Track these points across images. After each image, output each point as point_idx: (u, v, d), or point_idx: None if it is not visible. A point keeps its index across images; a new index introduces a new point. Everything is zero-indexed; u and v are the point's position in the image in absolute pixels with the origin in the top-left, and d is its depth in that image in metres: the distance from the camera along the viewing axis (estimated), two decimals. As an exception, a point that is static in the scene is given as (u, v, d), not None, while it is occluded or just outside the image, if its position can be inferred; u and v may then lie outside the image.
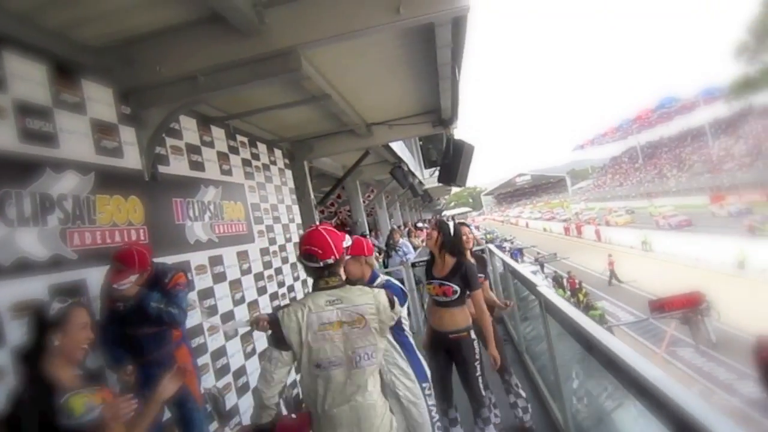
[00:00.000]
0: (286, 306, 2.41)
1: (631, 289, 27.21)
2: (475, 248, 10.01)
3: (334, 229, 2.54)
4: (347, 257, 3.16)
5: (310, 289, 2.54)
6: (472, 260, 4.23)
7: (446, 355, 3.94)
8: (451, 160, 7.52)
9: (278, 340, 2.32)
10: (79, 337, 2.18)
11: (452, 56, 4.96)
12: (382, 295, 2.45)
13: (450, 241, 3.89)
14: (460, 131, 7.91)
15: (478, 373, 3.85)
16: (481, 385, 3.87)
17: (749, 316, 15.85)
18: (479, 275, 4.06)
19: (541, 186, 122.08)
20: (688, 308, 15.55)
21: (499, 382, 4.39)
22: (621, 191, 73.55)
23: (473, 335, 3.88)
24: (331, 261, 2.42)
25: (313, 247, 2.41)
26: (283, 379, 2.35)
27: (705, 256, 28.55)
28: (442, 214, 44.09)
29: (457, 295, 3.80)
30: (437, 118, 7.54)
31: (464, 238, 4.26)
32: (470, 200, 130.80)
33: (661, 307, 15.84)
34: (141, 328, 3.13)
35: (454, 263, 3.87)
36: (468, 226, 4.53)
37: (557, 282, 26.05)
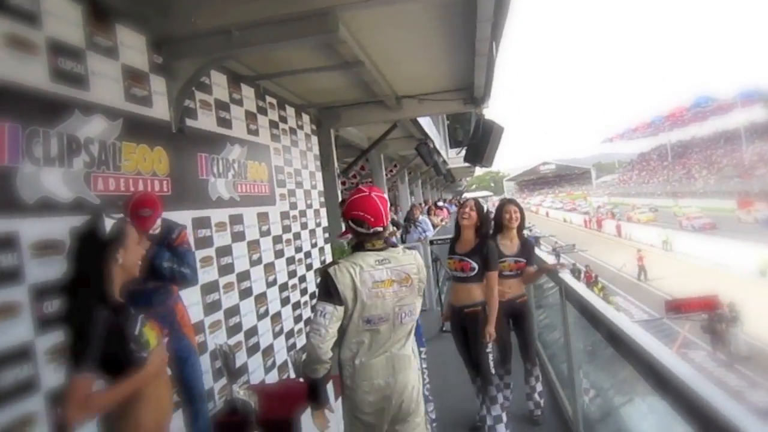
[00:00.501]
0: (336, 263, 2.48)
1: (647, 287, 26.95)
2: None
3: (384, 195, 2.57)
4: None
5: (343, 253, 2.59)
6: (518, 241, 4.31)
7: (462, 328, 4.03)
8: (479, 140, 7.37)
9: (332, 296, 2.40)
10: (137, 252, 2.17)
11: (492, 32, 4.83)
12: (419, 256, 2.63)
13: (484, 222, 4.02)
14: (489, 111, 7.75)
15: (489, 350, 3.91)
16: (491, 363, 3.90)
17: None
18: (521, 259, 4.25)
19: (565, 176, 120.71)
20: (704, 311, 15.32)
21: (521, 369, 4.38)
22: (646, 188, 72.38)
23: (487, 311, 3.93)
24: (380, 229, 2.52)
25: (366, 214, 2.49)
26: (335, 334, 2.42)
27: (727, 261, 28.06)
28: (463, 195, 43.76)
29: (474, 272, 3.87)
30: (469, 95, 7.40)
31: (507, 216, 4.31)
32: (492, 184, 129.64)
33: (677, 307, 15.67)
34: (147, 282, 3.09)
35: (477, 242, 3.95)
36: (516, 203, 4.47)
37: (573, 273, 25.86)
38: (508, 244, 4.29)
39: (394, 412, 2.54)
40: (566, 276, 3.91)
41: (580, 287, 3.52)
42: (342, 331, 2.48)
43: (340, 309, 2.41)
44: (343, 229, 2.63)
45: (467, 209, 4.05)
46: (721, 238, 32.45)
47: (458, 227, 4.11)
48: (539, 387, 4.33)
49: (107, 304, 1.97)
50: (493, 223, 4.30)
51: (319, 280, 2.57)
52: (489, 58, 5.68)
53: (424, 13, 4.53)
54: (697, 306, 15.30)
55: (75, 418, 1.81)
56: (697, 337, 17.46)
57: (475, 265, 3.87)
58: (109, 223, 3.06)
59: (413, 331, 2.65)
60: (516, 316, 4.28)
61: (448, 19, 4.66)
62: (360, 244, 2.55)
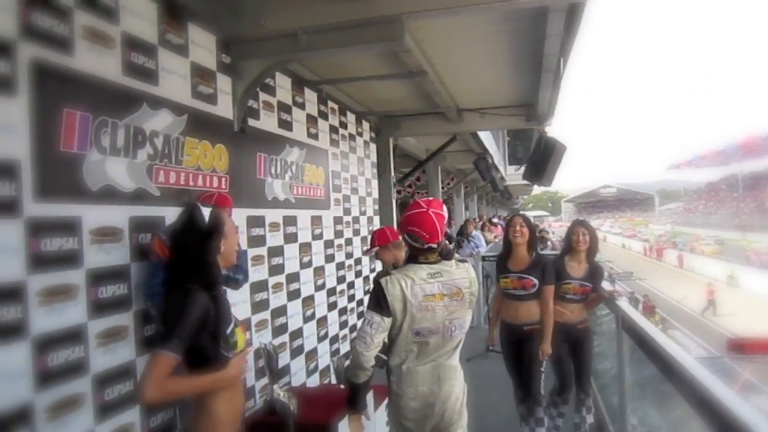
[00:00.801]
0: (388, 274, 2.54)
1: (707, 323, 25.70)
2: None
3: (441, 211, 2.58)
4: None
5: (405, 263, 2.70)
6: (587, 265, 4.18)
7: (518, 347, 3.99)
8: (540, 158, 7.19)
9: (381, 307, 2.46)
10: (235, 240, 2.21)
11: (560, 47, 4.72)
12: (471, 270, 2.67)
13: (535, 237, 4.06)
14: (551, 129, 7.56)
15: (542, 369, 3.89)
16: (542, 384, 3.87)
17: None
18: (587, 284, 4.13)
19: (626, 201, 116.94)
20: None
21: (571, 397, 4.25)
22: (713, 219, 69.09)
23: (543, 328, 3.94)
24: (434, 245, 2.54)
25: (422, 230, 2.51)
26: (380, 344, 2.49)
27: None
28: (516, 215, 43.06)
29: (535, 289, 3.88)
30: (532, 112, 7.27)
31: (575, 237, 4.17)
32: (549, 204, 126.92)
33: (740, 347, 14.77)
34: None
35: (533, 257, 3.96)
36: (586, 225, 4.31)
37: (630, 302, 24.94)
38: (576, 267, 4.18)
39: (437, 420, 2.58)
40: (623, 304, 3.74)
41: (638, 317, 3.35)
42: (392, 341, 2.55)
43: (388, 320, 2.46)
44: (369, 245, 2.85)
45: (517, 226, 4.03)
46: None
47: (508, 245, 4.07)
48: (590, 419, 4.18)
49: (210, 292, 1.99)
50: (563, 243, 4.33)
51: (371, 289, 2.62)
52: (556, 74, 5.55)
53: (491, 25, 4.47)
54: (764, 347, 14.40)
55: (148, 394, 1.80)
56: (761, 381, 16.44)
57: (536, 281, 3.87)
58: (172, 218, 3.17)
59: (461, 344, 2.68)
60: (575, 341, 4.16)
61: (515, 32, 4.59)
62: (414, 257, 2.60)
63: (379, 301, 2.47)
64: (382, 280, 2.50)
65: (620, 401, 3.71)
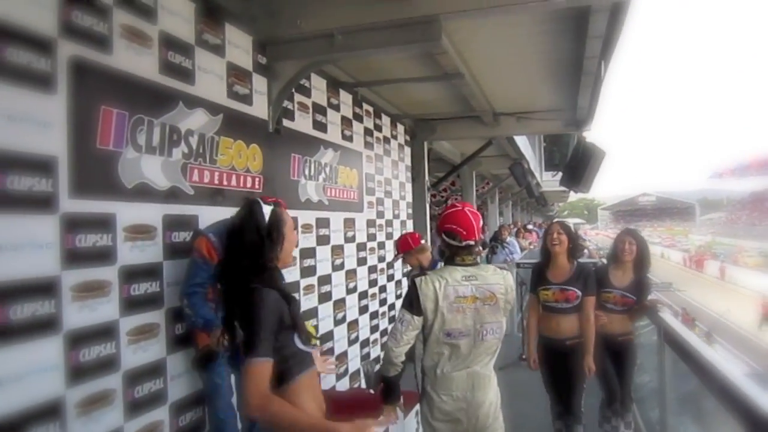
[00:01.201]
0: (424, 275, 2.60)
1: (750, 337, 24.82)
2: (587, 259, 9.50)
3: (477, 211, 2.68)
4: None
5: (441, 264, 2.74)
6: (632, 275, 4.00)
7: (560, 362, 3.83)
8: (577, 163, 7.02)
9: (413, 306, 2.52)
10: (295, 240, 2.18)
11: (602, 49, 4.59)
12: (509, 277, 2.66)
13: (576, 245, 3.91)
14: (589, 134, 7.37)
15: (585, 384, 3.76)
16: (582, 401, 3.72)
17: None
18: (630, 296, 3.94)
19: (666, 210, 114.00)
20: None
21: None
22: (757, 231, 66.86)
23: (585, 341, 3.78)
24: (471, 243, 2.58)
25: (459, 227, 2.56)
26: (411, 341, 2.56)
27: None
28: (554, 221, 42.38)
29: (578, 301, 3.71)
30: (571, 116, 7.11)
31: (621, 246, 4.01)
32: (585, 212, 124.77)
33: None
34: None
35: (575, 267, 3.79)
36: (634, 234, 4.12)
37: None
38: (620, 276, 4.00)
39: (470, 426, 2.60)
40: (667, 315, 3.58)
41: (682, 329, 3.21)
42: (424, 340, 2.60)
43: (418, 319, 2.52)
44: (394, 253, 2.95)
45: (555, 234, 3.86)
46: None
47: (547, 254, 3.90)
48: None
49: (277, 290, 1.95)
50: (610, 251, 4.19)
51: (407, 288, 2.67)
52: (596, 77, 5.41)
53: (530, 26, 4.38)
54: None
55: (254, 404, 1.75)
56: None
57: (580, 293, 3.70)
58: (205, 217, 3.17)
59: (497, 353, 2.68)
60: (617, 354, 3.98)
61: (555, 33, 4.47)
62: (451, 258, 2.63)
63: (411, 300, 2.53)
64: (417, 280, 2.56)
65: (661, 416, 3.57)
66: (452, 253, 2.62)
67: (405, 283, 6.64)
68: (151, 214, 2.89)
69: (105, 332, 2.57)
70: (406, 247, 4.10)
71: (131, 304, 2.72)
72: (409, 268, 4.76)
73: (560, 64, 5.18)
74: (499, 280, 2.60)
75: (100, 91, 2.57)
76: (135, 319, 2.74)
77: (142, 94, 2.82)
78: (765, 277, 36.44)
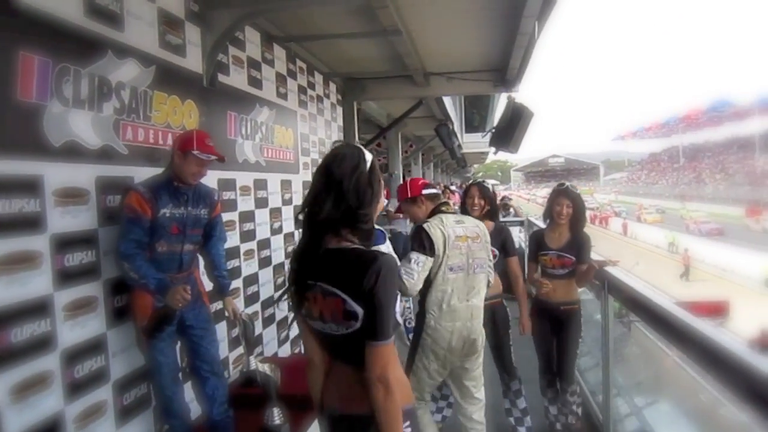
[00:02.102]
0: (427, 222, 3.00)
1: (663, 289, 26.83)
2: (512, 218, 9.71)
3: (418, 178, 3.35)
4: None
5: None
6: (568, 234, 3.78)
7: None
8: (508, 124, 7.08)
9: (425, 248, 2.90)
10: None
11: (540, 10, 4.59)
12: (483, 224, 3.22)
13: (494, 208, 3.86)
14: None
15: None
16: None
17: None
18: (567, 255, 3.75)
19: (573, 171, 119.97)
20: (712, 316, 15.12)
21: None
22: (655, 189, 71.97)
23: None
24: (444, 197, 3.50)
25: (431, 187, 3.33)
26: (422, 280, 2.92)
27: (732, 268, 27.92)
28: (471, 183, 43.45)
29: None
30: (500, 77, 7.16)
31: (558, 209, 3.77)
32: (499, 174, 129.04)
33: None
34: (186, 243, 2.87)
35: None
36: (568, 194, 3.82)
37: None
38: (556, 237, 3.80)
39: (467, 349, 3.02)
40: (614, 270, 3.51)
41: (628, 278, 3.26)
42: (430, 279, 2.96)
43: (431, 260, 2.91)
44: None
45: (476, 198, 3.75)
46: (728, 245, 32.27)
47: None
48: (572, 418, 3.86)
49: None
50: (545, 212, 3.98)
51: (412, 235, 3.03)
52: (531, 38, 5.43)
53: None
54: (705, 310, 15.06)
55: (393, 383, 1.59)
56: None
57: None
58: (139, 174, 2.89)
59: (486, 287, 3.16)
60: (559, 324, 3.79)
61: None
62: (437, 209, 3.11)
63: (423, 242, 2.91)
64: (425, 226, 2.95)
65: (604, 373, 3.57)
66: (437, 206, 3.12)
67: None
68: (83, 175, 2.59)
69: (38, 308, 2.30)
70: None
71: (66, 276, 2.45)
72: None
73: (497, 22, 5.14)
74: (478, 223, 3.17)
75: (17, 34, 2.23)
76: (71, 292, 2.47)
77: (65, 40, 2.48)
78: (661, 232, 39.38)
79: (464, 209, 3.80)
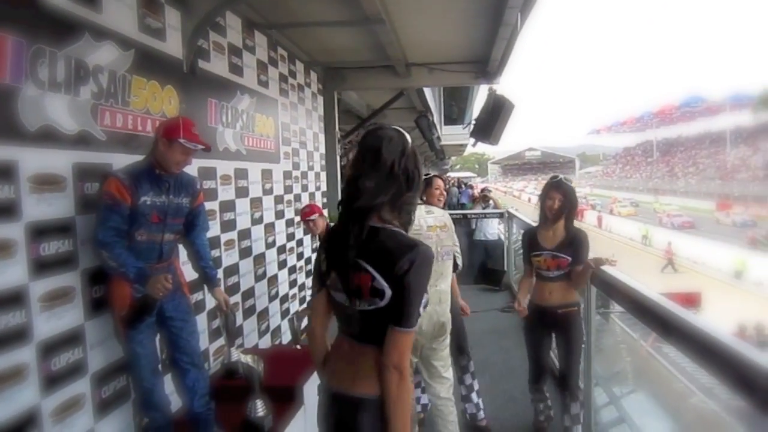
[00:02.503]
0: None
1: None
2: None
3: None
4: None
5: None
6: (563, 232, 3.52)
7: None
8: (489, 116, 7.07)
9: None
10: None
11: (524, 1, 4.59)
12: (447, 214, 3.40)
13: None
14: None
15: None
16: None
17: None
18: (562, 255, 3.47)
19: (549, 164, 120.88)
20: (684, 307, 15.42)
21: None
22: (629, 183, 73.10)
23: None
24: None
25: None
26: None
27: (703, 260, 28.53)
28: (447, 174, 43.52)
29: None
30: (482, 69, 7.15)
31: (549, 203, 3.54)
32: (476, 166, 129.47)
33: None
34: (166, 232, 2.79)
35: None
36: (559, 187, 3.59)
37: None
38: (550, 236, 3.54)
39: (437, 331, 3.17)
40: (609, 269, 3.28)
41: (610, 269, 3.24)
42: None
43: None
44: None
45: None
46: (699, 238, 32.96)
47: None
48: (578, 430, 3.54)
49: None
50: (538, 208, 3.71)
51: None
52: (513, 30, 5.42)
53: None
54: (678, 301, 15.35)
55: (406, 369, 1.59)
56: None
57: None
58: (117, 161, 2.80)
59: (451, 270, 3.35)
60: (557, 329, 3.58)
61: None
62: None
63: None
64: None
65: (586, 366, 3.54)
66: None
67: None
68: (60, 162, 2.49)
69: (13, 299, 2.21)
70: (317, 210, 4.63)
71: (42, 266, 2.36)
72: None
73: (480, 12, 5.11)
74: (444, 213, 3.35)
75: (-11, 12, 2.12)
76: (47, 282, 2.39)
77: (40, 19, 2.38)
78: (635, 224, 40.00)
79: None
